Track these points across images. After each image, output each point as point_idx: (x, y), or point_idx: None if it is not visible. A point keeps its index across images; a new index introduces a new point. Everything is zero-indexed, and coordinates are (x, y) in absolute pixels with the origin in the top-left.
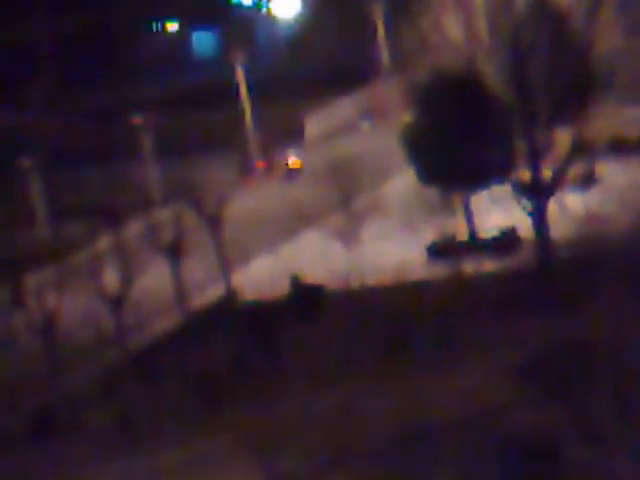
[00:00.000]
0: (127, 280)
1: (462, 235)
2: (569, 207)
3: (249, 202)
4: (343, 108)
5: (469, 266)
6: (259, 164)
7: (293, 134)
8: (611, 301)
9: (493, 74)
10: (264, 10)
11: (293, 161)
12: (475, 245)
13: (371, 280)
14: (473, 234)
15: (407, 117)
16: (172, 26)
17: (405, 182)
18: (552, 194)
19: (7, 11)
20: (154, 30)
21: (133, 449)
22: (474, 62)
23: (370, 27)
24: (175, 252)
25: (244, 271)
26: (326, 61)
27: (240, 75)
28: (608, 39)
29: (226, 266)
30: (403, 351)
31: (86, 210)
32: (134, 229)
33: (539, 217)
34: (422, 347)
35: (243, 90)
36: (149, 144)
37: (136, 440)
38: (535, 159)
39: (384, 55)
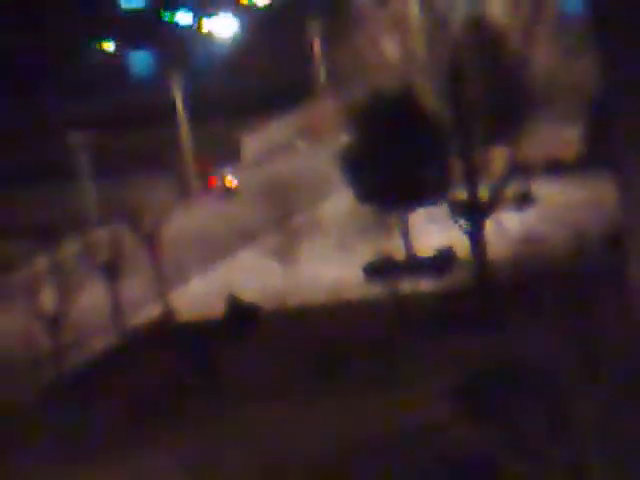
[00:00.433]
0: (64, 300)
1: (399, 254)
2: (506, 227)
3: (187, 222)
4: (280, 128)
5: (406, 286)
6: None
7: (230, 153)
8: (547, 320)
9: (429, 93)
10: (202, 29)
11: (230, 180)
12: (412, 265)
13: (308, 299)
14: (410, 253)
15: (344, 136)
16: (110, 46)
17: (342, 202)
18: (489, 214)
19: None
20: (91, 49)
21: (62, 468)
22: (410, 81)
23: (307, 46)
24: (112, 272)
25: (181, 290)
26: (264, 80)
27: (177, 95)
28: (545, 58)
29: (163, 285)
30: (339, 370)
31: (23, 229)
32: (71, 249)
33: (476, 237)
34: (358, 366)
35: (180, 110)
36: (86, 163)
37: (67, 460)
38: (471, 178)
39: (321, 74)
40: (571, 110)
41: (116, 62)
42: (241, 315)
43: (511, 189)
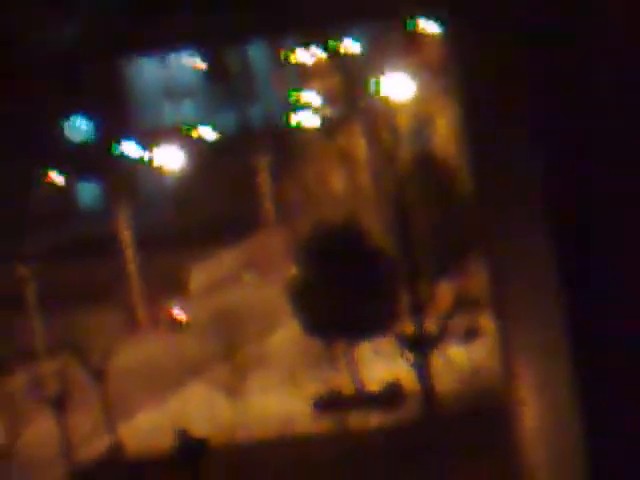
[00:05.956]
0: (12, 434)
1: (347, 388)
2: (453, 360)
3: (135, 354)
4: (228, 260)
5: (354, 420)
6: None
7: (178, 285)
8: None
9: (377, 227)
10: (150, 162)
11: (178, 313)
12: (360, 398)
13: (256, 434)
14: (358, 387)
15: (292, 268)
16: (58, 177)
17: (290, 334)
18: (435, 347)
19: None
20: (40, 181)
21: None
22: (358, 215)
23: (255, 178)
24: (60, 405)
25: (130, 424)
26: (211, 212)
27: (124, 227)
28: None
29: (112, 419)
30: None
31: None
32: (18, 381)
33: (422, 370)
34: None
35: (128, 241)
36: (34, 295)
37: None
38: (418, 312)
39: (269, 206)
40: None
41: (64, 193)
42: (190, 449)
43: (459, 322)
